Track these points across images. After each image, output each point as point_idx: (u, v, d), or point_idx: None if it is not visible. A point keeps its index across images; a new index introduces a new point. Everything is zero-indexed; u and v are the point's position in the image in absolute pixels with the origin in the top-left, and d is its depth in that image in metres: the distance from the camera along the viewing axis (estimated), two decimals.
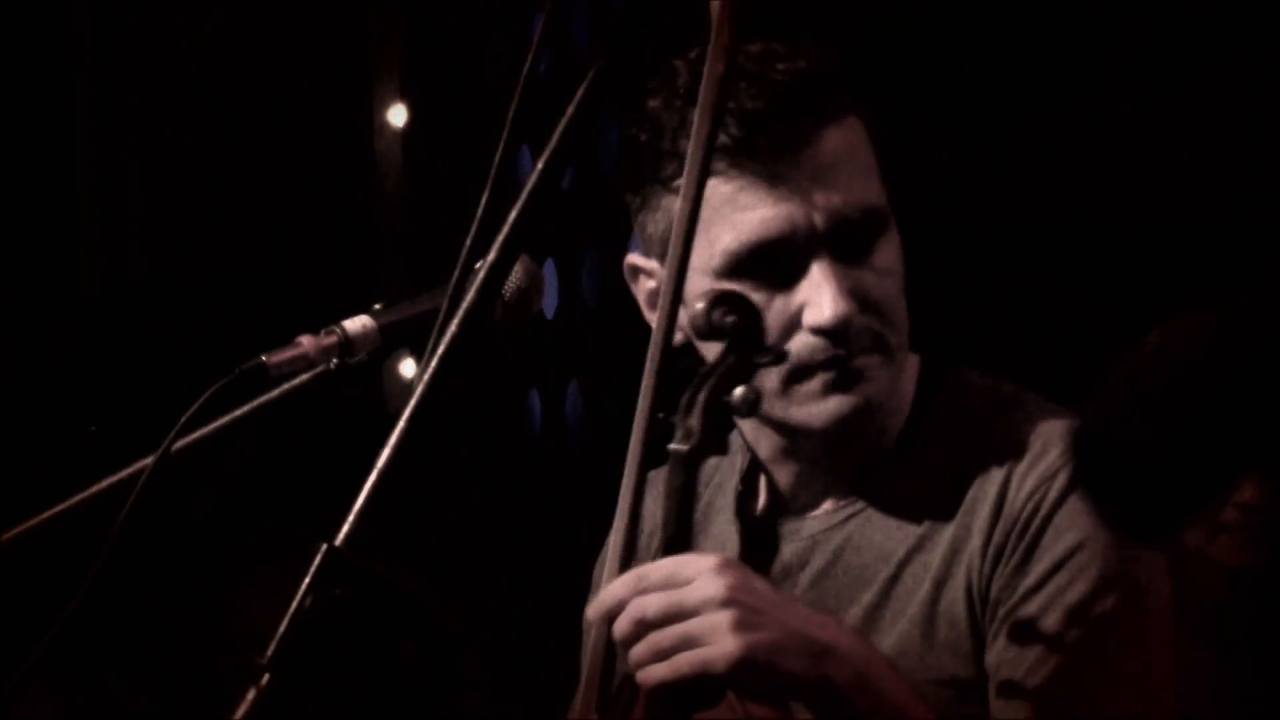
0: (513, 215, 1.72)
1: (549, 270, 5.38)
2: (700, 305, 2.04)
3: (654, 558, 2.01)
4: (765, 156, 2.18)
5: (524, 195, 1.73)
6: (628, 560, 2.04)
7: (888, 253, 2.24)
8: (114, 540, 2.14)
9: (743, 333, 2.04)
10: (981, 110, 4.36)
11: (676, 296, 2.02)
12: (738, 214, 2.18)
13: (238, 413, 2.23)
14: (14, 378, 4.85)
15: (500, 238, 1.72)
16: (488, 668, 4.41)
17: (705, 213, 2.14)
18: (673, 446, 2.01)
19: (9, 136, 5.05)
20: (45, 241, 5.12)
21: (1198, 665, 3.05)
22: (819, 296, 2.18)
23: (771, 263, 2.19)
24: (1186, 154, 4.22)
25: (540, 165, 1.74)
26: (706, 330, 2.05)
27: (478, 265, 1.72)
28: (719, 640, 1.97)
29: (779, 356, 2.07)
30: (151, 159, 5.26)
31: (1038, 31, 4.35)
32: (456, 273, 1.74)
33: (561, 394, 5.28)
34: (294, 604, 1.58)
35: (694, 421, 1.99)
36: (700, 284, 2.19)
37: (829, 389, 2.20)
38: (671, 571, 2.00)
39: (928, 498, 2.23)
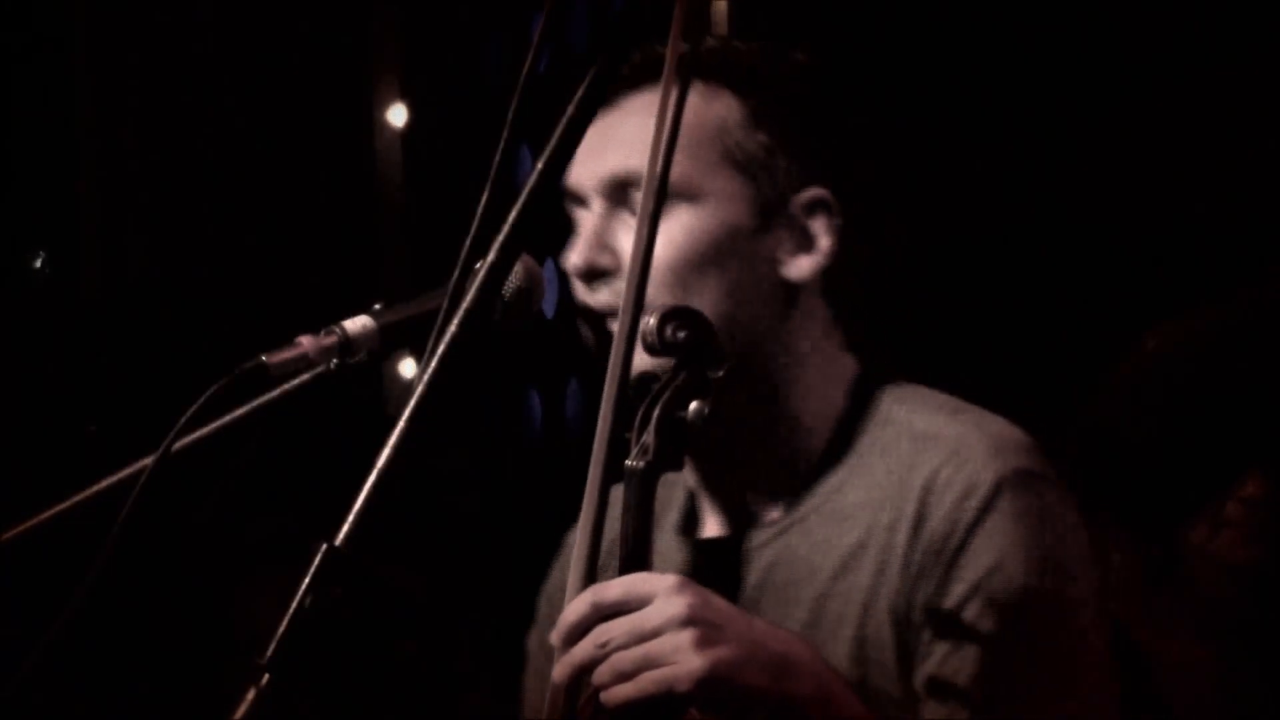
0: (513, 215, 1.72)
1: (549, 270, 5.37)
2: (652, 321, 2.04)
3: (613, 574, 2.02)
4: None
5: (524, 195, 1.73)
6: (590, 579, 2.05)
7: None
8: (114, 540, 2.14)
9: (695, 347, 2.04)
10: (980, 111, 4.36)
11: (639, 302, 2.02)
12: None
13: (238, 413, 2.23)
14: (14, 378, 4.85)
15: (500, 238, 1.72)
16: (488, 668, 4.41)
17: None
18: (629, 463, 2.02)
19: (9, 136, 5.05)
20: (45, 241, 5.12)
21: (1198, 665, 3.05)
22: None
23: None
24: (1186, 154, 4.23)
25: (540, 165, 1.74)
26: (658, 346, 2.04)
27: (478, 265, 1.72)
28: (682, 659, 1.98)
29: (732, 371, 2.07)
30: (151, 159, 5.26)
31: (1034, 31, 4.35)
32: (456, 273, 1.74)
33: (561, 394, 5.28)
34: (294, 604, 1.58)
35: (649, 438, 2.00)
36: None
37: None
38: (628, 590, 2.01)
39: (854, 512, 2.21)
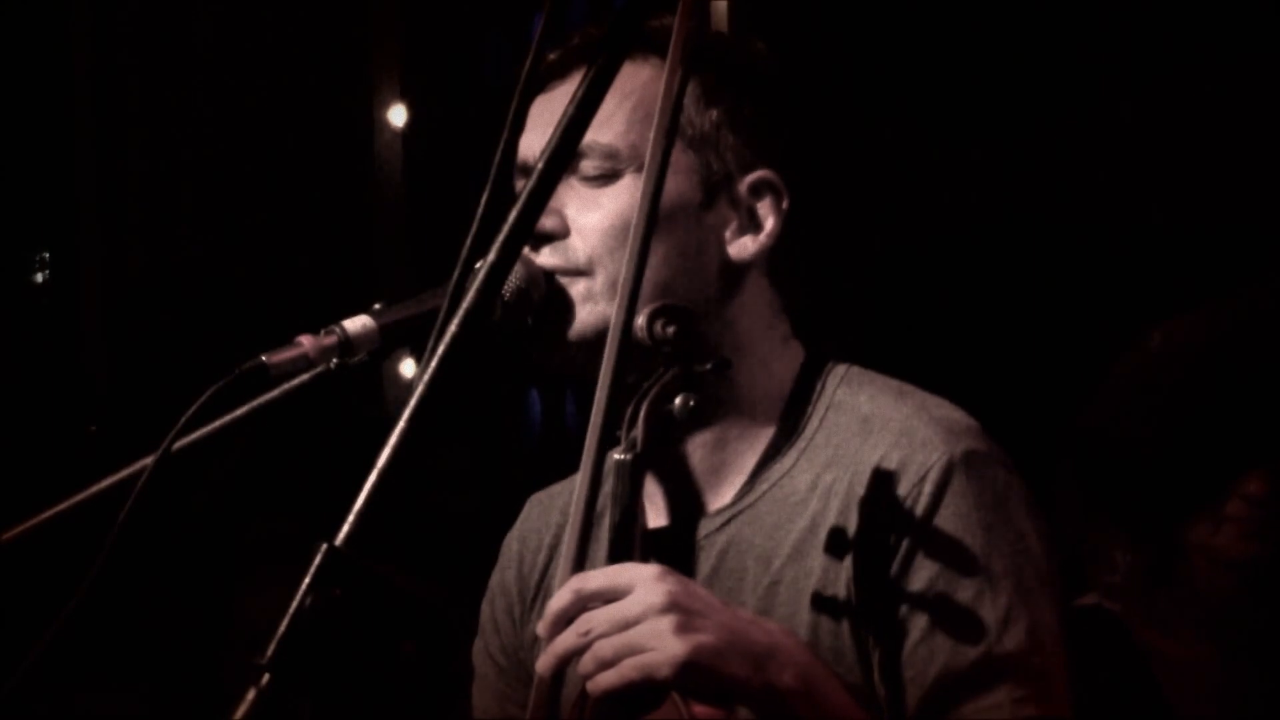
0: (513, 215, 1.72)
1: None
2: (640, 318, 2.06)
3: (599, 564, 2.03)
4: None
5: (524, 195, 1.72)
6: (578, 570, 2.07)
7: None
8: (114, 540, 2.14)
9: (683, 343, 2.06)
10: (982, 112, 4.37)
11: (635, 293, 2.03)
12: None
13: (238, 413, 2.22)
14: (14, 378, 4.85)
15: (500, 238, 1.71)
16: None
17: None
18: (616, 457, 2.03)
19: (9, 136, 5.05)
20: (45, 241, 5.12)
21: (1198, 664, 3.05)
22: None
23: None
24: (1185, 154, 4.23)
25: (540, 165, 1.73)
26: (648, 341, 2.06)
27: (478, 265, 1.71)
28: (662, 646, 1.99)
29: (720, 365, 2.08)
30: (151, 159, 5.26)
31: (1035, 30, 4.36)
32: (456, 273, 1.74)
33: (561, 394, 5.28)
34: (294, 604, 1.58)
35: (637, 432, 2.02)
36: None
37: None
38: (610, 580, 2.02)
39: (804, 497, 2.23)
